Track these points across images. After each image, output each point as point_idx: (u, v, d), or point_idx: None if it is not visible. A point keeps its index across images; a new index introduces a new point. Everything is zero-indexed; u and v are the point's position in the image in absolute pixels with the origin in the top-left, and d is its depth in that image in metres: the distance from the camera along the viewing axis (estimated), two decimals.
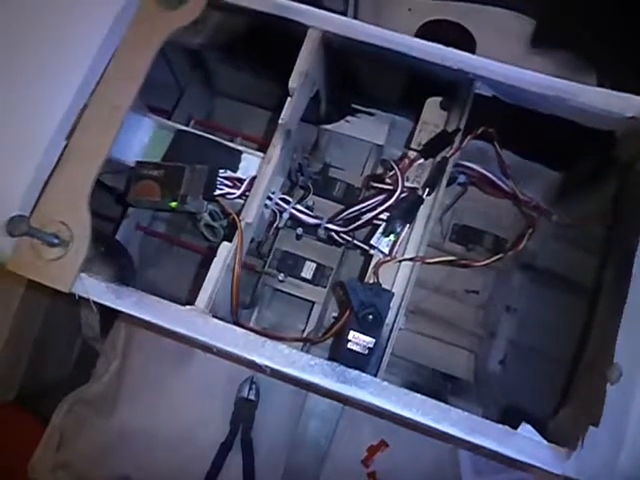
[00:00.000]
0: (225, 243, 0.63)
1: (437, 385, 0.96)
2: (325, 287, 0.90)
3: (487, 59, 0.67)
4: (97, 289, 0.60)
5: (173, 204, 0.67)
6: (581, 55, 1.10)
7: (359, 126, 0.93)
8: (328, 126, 0.93)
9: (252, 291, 0.93)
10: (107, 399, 1.04)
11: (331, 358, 0.58)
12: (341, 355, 0.60)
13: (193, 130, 0.75)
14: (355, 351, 0.59)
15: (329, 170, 0.92)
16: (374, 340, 0.59)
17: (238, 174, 0.71)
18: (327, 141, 0.97)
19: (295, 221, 0.76)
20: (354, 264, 0.96)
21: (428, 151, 0.68)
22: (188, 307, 0.61)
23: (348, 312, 0.61)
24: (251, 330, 0.69)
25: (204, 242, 0.92)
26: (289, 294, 0.91)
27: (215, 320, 0.60)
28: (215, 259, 0.63)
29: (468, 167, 0.74)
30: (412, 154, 0.71)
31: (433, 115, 0.73)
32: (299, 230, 0.88)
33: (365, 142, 0.93)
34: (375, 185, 0.71)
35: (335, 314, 0.95)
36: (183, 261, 1.01)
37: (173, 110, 0.91)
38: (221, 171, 0.69)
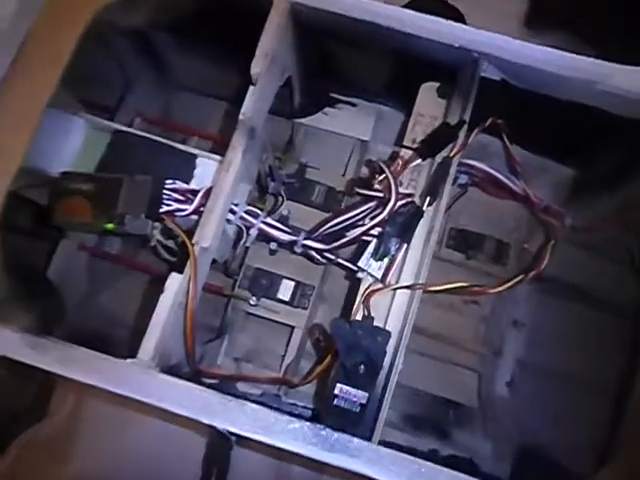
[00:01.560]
0: (174, 275, 0.50)
1: (438, 415, 0.84)
2: (306, 309, 0.77)
3: (495, 34, 0.54)
4: (9, 342, 0.47)
5: (109, 226, 0.53)
6: (580, 36, 0.98)
7: (340, 119, 0.79)
8: (303, 120, 0.80)
9: (221, 318, 0.80)
10: (60, 442, 0.90)
11: (317, 410, 0.45)
12: (326, 413, 0.47)
13: (134, 131, 0.60)
14: (344, 408, 0.47)
15: (306, 171, 0.79)
16: (367, 395, 0.46)
17: (192, 185, 0.57)
18: (303, 138, 0.84)
19: (266, 237, 0.63)
20: (339, 281, 0.83)
21: (426, 150, 0.55)
22: (129, 360, 0.47)
23: (331, 357, 0.49)
24: (216, 377, 0.57)
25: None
26: (265, 319, 0.78)
27: (162, 376, 0.47)
28: (162, 296, 0.49)
29: (471, 166, 0.61)
30: (405, 153, 0.58)
31: (429, 105, 0.61)
32: (272, 244, 0.74)
33: (347, 138, 0.80)
34: (361, 192, 0.58)
35: (320, 337, 0.82)
36: (143, 282, 0.87)
37: (117, 107, 0.77)
38: (168, 182, 0.55)
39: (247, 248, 0.77)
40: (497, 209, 0.87)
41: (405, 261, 0.53)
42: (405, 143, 0.59)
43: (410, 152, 0.57)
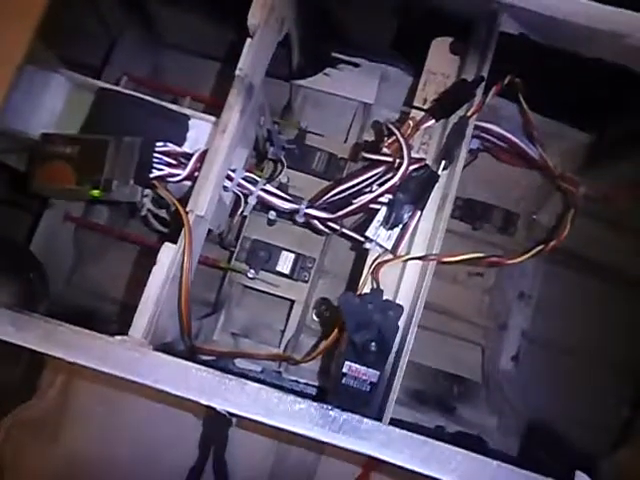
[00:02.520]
0: (168, 245, 0.46)
1: (442, 389, 0.81)
2: (306, 282, 0.74)
3: None
4: None
5: (95, 192, 0.49)
6: None
7: (342, 80, 0.74)
8: (302, 82, 0.74)
9: (217, 292, 0.76)
10: (50, 421, 0.88)
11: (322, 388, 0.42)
12: (334, 393, 0.44)
13: (121, 89, 0.55)
14: (353, 387, 0.43)
15: (306, 137, 0.74)
16: (378, 373, 0.43)
17: (184, 148, 0.53)
18: (302, 101, 0.79)
19: (266, 206, 0.59)
20: (341, 252, 0.79)
21: (439, 109, 0.51)
22: (119, 338, 0.44)
23: (336, 332, 0.45)
24: (214, 354, 0.53)
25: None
26: (263, 292, 0.74)
27: (156, 354, 0.43)
28: (154, 268, 0.45)
29: (486, 129, 0.57)
30: (416, 114, 0.54)
31: (441, 62, 0.56)
32: (271, 214, 0.70)
33: (350, 101, 0.75)
34: (369, 157, 0.53)
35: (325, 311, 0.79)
36: (134, 255, 0.83)
37: (103, 66, 0.71)
38: (159, 144, 0.50)
39: (244, 217, 0.73)
40: (505, 177, 0.83)
41: (417, 231, 0.49)
42: (415, 103, 0.54)
43: (421, 113, 0.53)
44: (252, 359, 0.62)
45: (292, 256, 0.73)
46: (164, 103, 0.54)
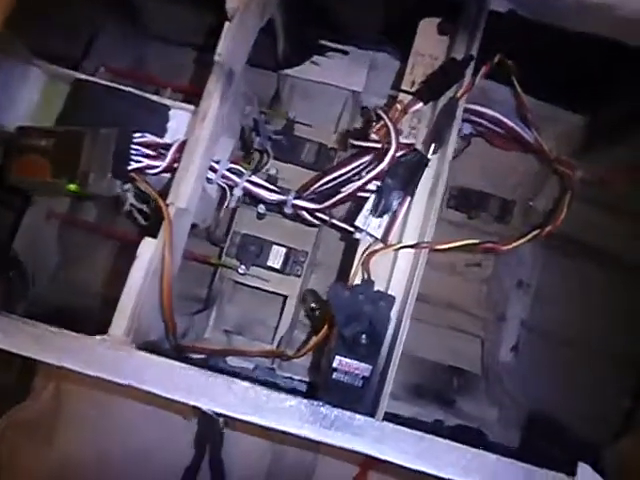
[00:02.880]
0: (148, 240, 0.44)
1: (441, 383, 0.80)
2: (299, 276, 0.72)
3: None
4: None
5: (72, 186, 0.47)
6: None
7: (330, 68, 0.72)
8: (289, 71, 0.72)
9: (208, 288, 0.74)
10: (44, 423, 0.86)
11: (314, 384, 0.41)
12: (325, 389, 0.42)
13: (98, 80, 0.53)
14: (344, 383, 0.42)
15: (294, 127, 0.72)
16: (370, 367, 0.41)
17: (165, 139, 0.51)
18: (290, 91, 0.76)
19: (253, 198, 0.57)
20: (334, 245, 0.77)
21: (428, 91, 0.49)
22: (99, 337, 0.42)
23: (327, 326, 0.43)
24: (202, 351, 0.52)
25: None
26: (255, 288, 0.72)
27: (138, 353, 0.41)
28: (134, 263, 0.44)
29: (479, 112, 0.55)
30: (404, 97, 0.52)
31: (430, 43, 0.54)
32: (261, 207, 0.68)
33: (338, 89, 0.73)
34: (357, 144, 0.51)
35: (314, 305, 0.77)
36: (122, 251, 0.81)
37: (83, 58, 0.69)
38: (136, 135, 0.48)
39: (234, 211, 0.71)
40: (499, 164, 0.81)
41: (408, 218, 0.47)
42: (403, 87, 0.53)
43: (410, 96, 0.51)
44: (243, 356, 0.60)
45: (283, 250, 0.71)
46: (142, 93, 0.52)
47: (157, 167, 0.47)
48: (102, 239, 0.80)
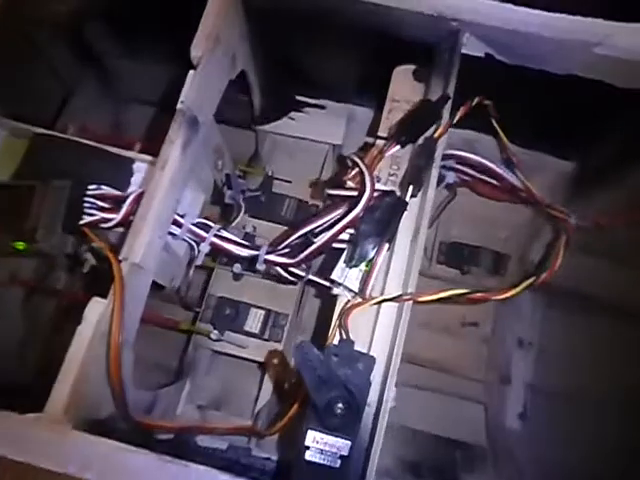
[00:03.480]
0: (96, 299, 0.39)
1: (442, 458, 0.71)
2: (279, 342, 0.66)
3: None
4: None
5: (19, 245, 0.43)
6: None
7: (308, 123, 0.70)
8: (267, 127, 0.71)
9: (180, 358, 0.68)
10: None
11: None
12: (297, 472, 0.36)
13: (58, 134, 0.50)
14: (319, 464, 0.35)
15: (272, 184, 0.70)
16: (349, 443, 0.35)
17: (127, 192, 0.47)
18: (270, 147, 0.74)
19: (223, 254, 0.53)
20: (318, 306, 0.72)
21: (404, 133, 0.46)
22: (32, 416, 0.36)
23: (302, 396, 0.38)
24: (166, 430, 0.45)
25: None
26: (231, 356, 0.66)
27: (78, 434, 0.35)
28: (79, 328, 0.38)
29: (461, 158, 0.52)
30: (381, 144, 0.49)
31: (404, 88, 0.52)
32: (236, 266, 0.64)
33: (318, 143, 0.71)
34: (333, 192, 0.48)
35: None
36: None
37: (54, 121, 0.67)
38: (92, 187, 0.45)
39: (209, 273, 0.67)
40: (489, 215, 0.78)
41: (389, 269, 0.43)
42: (380, 133, 0.50)
43: (385, 141, 0.48)
44: (213, 435, 0.53)
45: (262, 313, 0.66)
46: (104, 146, 0.49)
47: (111, 220, 0.43)
48: (72, 307, 0.74)
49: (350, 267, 0.41)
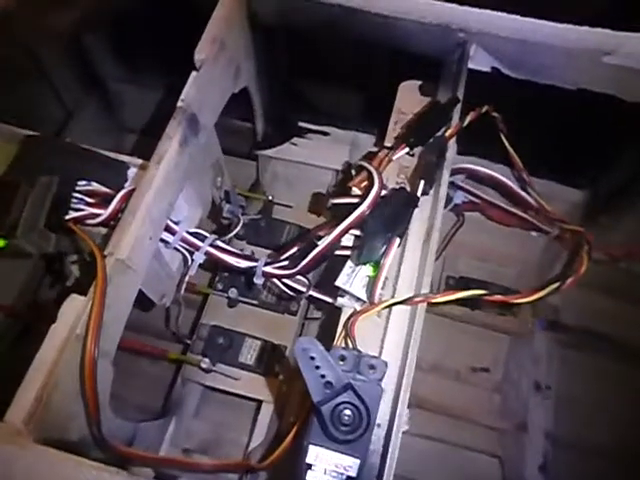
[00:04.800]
0: (74, 296, 0.35)
1: None
2: (277, 376, 0.60)
3: (485, 10, 0.46)
4: None
5: (0, 242, 0.39)
6: None
7: (311, 149, 0.69)
8: (270, 152, 0.69)
9: (167, 392, 0.62)
10: None
11: None
12: None
13: (50, 137, 0.48)
14: None
15: (273, 210, 0.67)
16: (358, 461, 0.29)
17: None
18: (272, 173, 0.73)
19: (219, 265, 0.49)
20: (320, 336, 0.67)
21: (414, 135, 0.44)
22: None
23: (299, 423, 0.33)
24: (141, 459, 0.39)
25: None
26: (223, 391, 0.60)
27: (39, 448, 0.30)
28: (52, 327, 0.34)
29: (471, 171, 0.50)
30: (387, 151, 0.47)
31: (411, 101, 0.51)
32: (232, 292, 0.60)
33: (320, 169, 0.69)
34: (337, 202, 0.45)
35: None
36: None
37: None
38: (81, 183, 0.42)
39: (204, 300, 0.62)
40: (499, 248, 0.75)
41: (400, 272, 0.39)
42: (387, 144, 0.48)
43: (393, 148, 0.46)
44: (199, 472, 0.46)
45: (258, 344, 0.61)
46: (98, 150, 0.47)
47: (99, 216, 0.40)
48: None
49: (357, 265, 0.38)
